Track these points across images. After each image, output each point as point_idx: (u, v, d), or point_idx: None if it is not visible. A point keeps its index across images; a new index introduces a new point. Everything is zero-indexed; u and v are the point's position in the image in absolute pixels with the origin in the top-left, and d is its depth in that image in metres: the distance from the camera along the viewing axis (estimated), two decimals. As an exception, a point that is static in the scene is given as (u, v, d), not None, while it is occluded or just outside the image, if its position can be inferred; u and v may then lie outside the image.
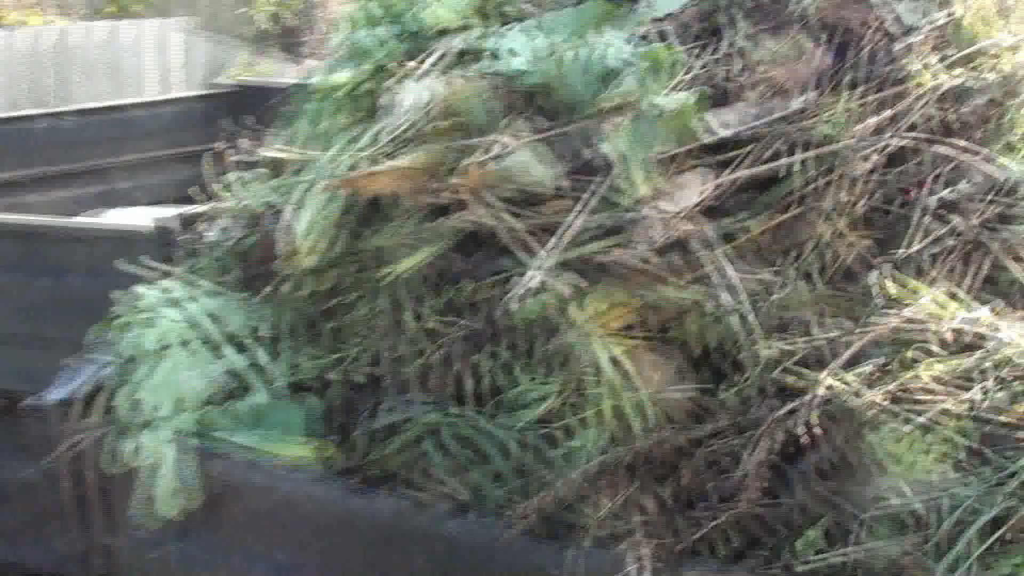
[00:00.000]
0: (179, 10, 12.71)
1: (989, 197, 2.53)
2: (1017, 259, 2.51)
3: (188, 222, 3.43)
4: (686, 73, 2.52)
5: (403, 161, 2.60)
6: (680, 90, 2.47)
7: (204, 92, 7.70)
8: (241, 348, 2.71)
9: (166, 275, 3.02)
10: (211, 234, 3.22)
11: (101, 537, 2.85)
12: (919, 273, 2.38)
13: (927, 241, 2.42)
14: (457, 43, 2.81)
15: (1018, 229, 2.52)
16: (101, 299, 2.89)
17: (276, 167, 3.13)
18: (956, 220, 2.47)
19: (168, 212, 5.22)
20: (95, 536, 2.88)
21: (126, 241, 4.14)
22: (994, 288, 2.49)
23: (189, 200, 3.42)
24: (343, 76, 2.99)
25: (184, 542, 2.59)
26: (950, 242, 2.45)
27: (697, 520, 2.16)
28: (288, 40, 12.57)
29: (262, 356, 2.66)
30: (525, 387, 2.36)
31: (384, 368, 2.53)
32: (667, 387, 2.29)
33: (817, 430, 2.09)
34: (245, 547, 2.54)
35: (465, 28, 2.89)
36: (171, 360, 2.65)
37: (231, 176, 3.24)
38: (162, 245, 3.54)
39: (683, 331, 2.34)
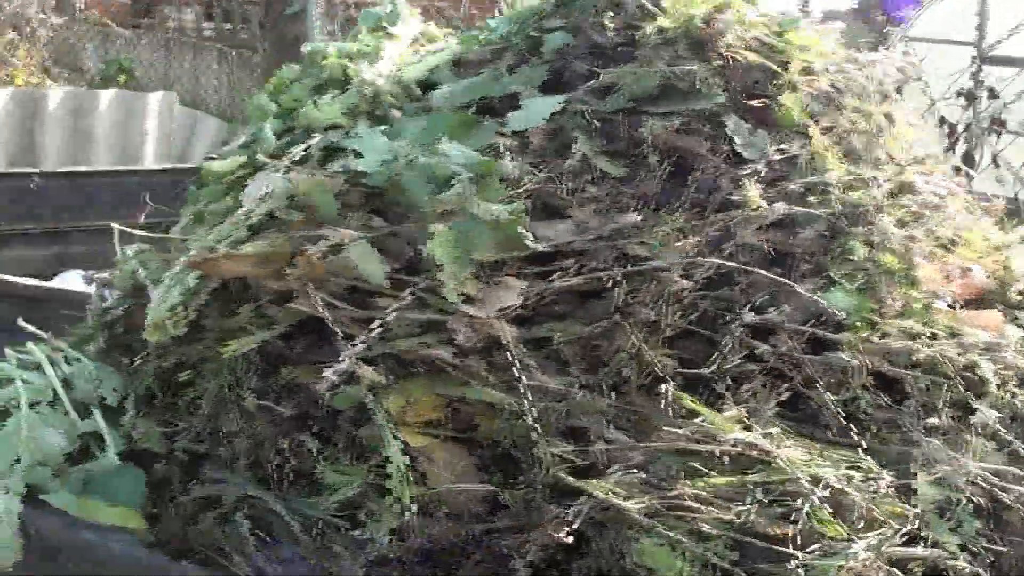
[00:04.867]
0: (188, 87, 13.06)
1: (803, 327, 2.62)
2: (829, 387, 2.60)
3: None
4: (521, 186, 2.64)
5: (252, 248, 2.72)
6: (512, 202, 2.59)
7: (172, 166, 7.92)
8: (87, 414, 2.81)
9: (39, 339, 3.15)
10: (94, 303, 3.36)
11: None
12: (714, 394, 2.47)
13: (727, 365, 2.51)
14: (319, 141, 2.96)
15: (829, 359, 2.61)
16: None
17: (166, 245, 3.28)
18: (762, 347, 2.56)
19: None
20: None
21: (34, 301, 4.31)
22: (802, 414, 2.58)
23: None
24: (222, 164, 3.14)
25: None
26: (751, 367, 2.53)
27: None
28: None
29: (102, 424, 2.76)
30: (329, 473, 2.45)
31: (206, 446, 2.63)
32: (459, 483, 2.37)
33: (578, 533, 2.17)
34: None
35: (336, 127, 3.04)
36: (15, 420, 2.75)
37: (130, 249, 3.38)
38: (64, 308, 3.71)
39: (483, 430, 2.43)
